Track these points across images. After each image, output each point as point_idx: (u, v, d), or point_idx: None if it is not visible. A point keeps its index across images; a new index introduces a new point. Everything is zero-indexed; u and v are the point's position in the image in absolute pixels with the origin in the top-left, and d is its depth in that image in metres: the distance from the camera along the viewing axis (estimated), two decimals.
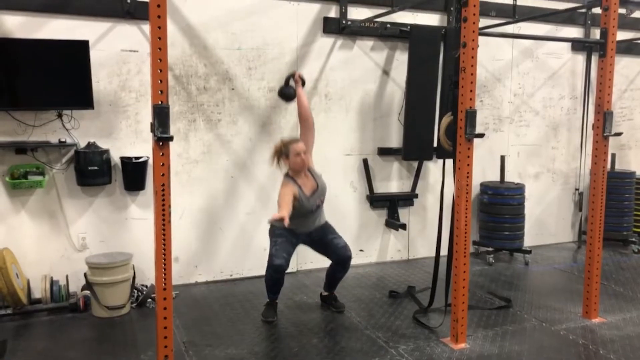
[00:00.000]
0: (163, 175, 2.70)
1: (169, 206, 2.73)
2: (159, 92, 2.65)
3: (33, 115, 4.01)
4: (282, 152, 3.83)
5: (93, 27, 4.12)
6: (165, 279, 2.76)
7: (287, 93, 4.06)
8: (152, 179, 2.77)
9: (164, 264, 2.76)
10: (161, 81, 2.64)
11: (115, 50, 4.20)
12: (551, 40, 5.84)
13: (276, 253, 3.71)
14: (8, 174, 3.96)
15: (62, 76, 3.95)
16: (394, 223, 5.26)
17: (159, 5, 2.60)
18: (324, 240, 3.93)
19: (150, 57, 2.64)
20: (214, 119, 4.59)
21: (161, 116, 2.64)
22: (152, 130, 2.65)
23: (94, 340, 3.57)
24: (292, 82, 4.09)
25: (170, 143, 4.36)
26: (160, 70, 2.64)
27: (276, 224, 3.80)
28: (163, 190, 2.70)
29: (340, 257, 3.92)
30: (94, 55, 4.07)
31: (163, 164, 2.70)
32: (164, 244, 2.74)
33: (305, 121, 3.98)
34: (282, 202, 3.52)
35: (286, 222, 3.28)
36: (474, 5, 3.22)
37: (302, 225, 3.83)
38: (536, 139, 5.99)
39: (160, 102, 2.65)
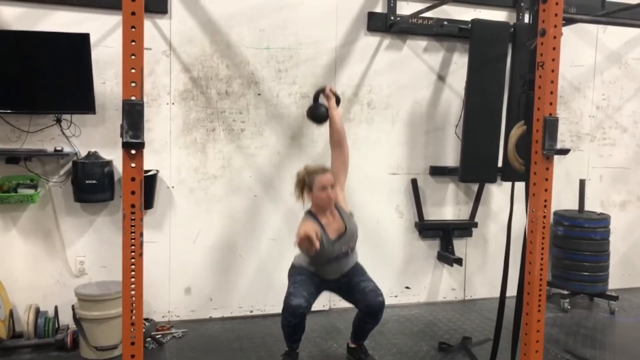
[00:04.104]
0: (134, 193, 2.05)
1: (141, 234, 2.07)
2: (131, 84, 2.03)
3: (28, 119, 3.51)
4: (305, 183, 3.11)
5: (100, 21, 3.61)
6: (134, 332, 2.10)
7: (317, 113, 3.28)
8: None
9: (133, 308, 2.09)
10: (134, 69, 2.02)
11: None
12: None
13: (294, 291, 2.96)
14: None
15: (61, 75, 3.43)
16: (447, 257, 4.42)
17: None
18: (351, 283, 3.17)
19: (122, 41, 2.06)
20: (236, 129, 3.96)
21: (132, 115, 2.02)
22: (121, 134, 2.03)
23: None
24: (322, 99, 3.34)
25: (187, 156, 3.96)
26: (134, 56, 2.02)
27: (297, 264, 3.17)
28: (133, 213, 2.05)
29: (369, 304, 3.07)
30: (100, 52, 3.57)
31: (134, 179, 2.05)
32: (134, 284, 2.08)
33: (338, 146, 3.25)
34: (305, 227, 2.87)
35: (316, 246, 2.72)
36: None
37: (326, 272, 3.13)
38: (624, 160, 5.00)
39: (132, 98, 2.03)
